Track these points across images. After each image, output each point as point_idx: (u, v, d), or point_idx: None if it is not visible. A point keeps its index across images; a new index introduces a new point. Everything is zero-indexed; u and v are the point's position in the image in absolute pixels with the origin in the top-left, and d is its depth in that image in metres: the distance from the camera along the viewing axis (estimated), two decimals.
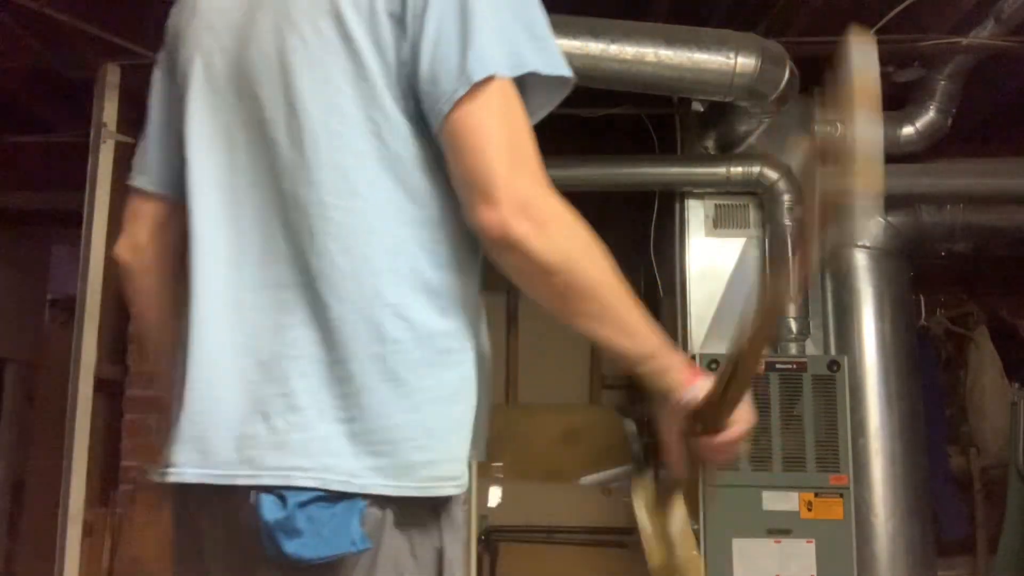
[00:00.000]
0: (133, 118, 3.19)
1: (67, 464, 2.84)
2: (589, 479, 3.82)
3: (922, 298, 4.02)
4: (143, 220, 1.14)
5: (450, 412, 0.94)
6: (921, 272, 3.83)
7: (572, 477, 3.86)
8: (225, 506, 0.91)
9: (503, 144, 0.89)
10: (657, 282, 3.48)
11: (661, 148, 3.49)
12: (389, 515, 0.89)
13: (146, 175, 1.14)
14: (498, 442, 3.87)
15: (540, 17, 0.97)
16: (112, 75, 3.03)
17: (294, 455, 0.88)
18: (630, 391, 4.07)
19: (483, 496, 3.76)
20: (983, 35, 2.93)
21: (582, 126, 3.51)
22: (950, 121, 3.28)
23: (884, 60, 3.11)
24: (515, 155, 0.90)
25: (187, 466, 0.92)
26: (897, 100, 3.37)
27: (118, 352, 3.12)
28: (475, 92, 0.89)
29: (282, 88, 0.95)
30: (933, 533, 3.44)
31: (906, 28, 2.90)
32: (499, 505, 3.82)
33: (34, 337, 4.53)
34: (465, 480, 0.96)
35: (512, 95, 0.92)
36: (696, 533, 2.85)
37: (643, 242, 3.56)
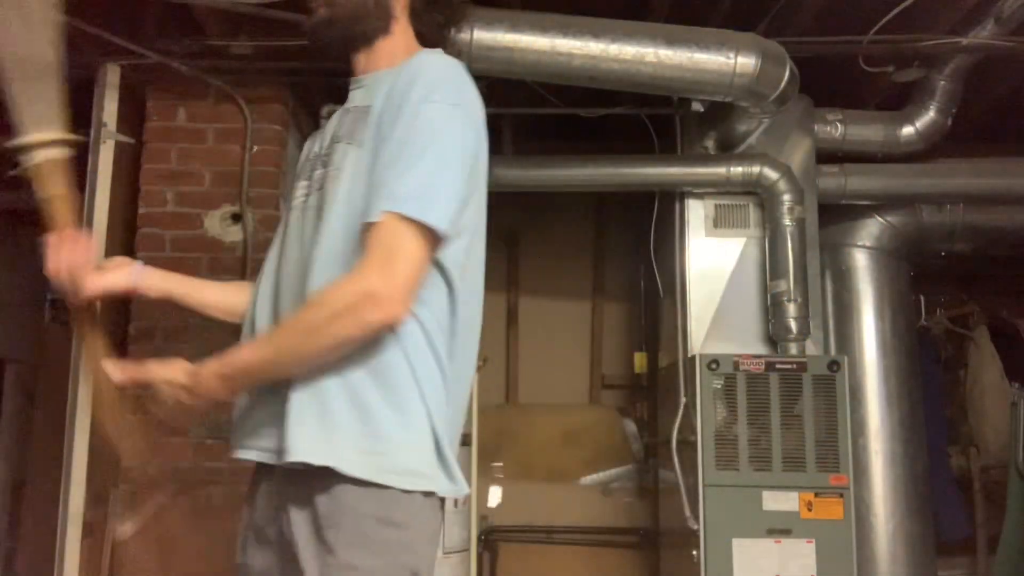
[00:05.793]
0: (133, 118, 3.19)
1: (67, 464, 2.84)
2: (589, 479, 3.82)
3: (922, 298, 4.02)
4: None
5: None
6: (921, 272, 3.83)
7: (572, 477, 3.86)
8: None
9: None
10: (657, 282, 3.47)
11: (661, 148, 3.49)
12: None
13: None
14: (498, 442, 3.86)
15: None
16: (112, 75, 3.03)
17: None
18: (630, 391, 4.07)
19: (483, 496, 3.76)
20: (983, 35, 2.93)
21: (582, 126, 3.51)
22: (950, 121, 3.27)
23: (884, 60, 3.11)
24: None
25: None
26: (897, 100, 3.37)
27: (118, 352, 3.10)
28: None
29: None
30: (933, 533, 3.44)
31: (906, 28, 2.90)
32: (499, 505, 3.81)
33: (34, 337, 4.53)
34: None
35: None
36: (696, 533, 2.85)
37: (643, 242, 3.56)
